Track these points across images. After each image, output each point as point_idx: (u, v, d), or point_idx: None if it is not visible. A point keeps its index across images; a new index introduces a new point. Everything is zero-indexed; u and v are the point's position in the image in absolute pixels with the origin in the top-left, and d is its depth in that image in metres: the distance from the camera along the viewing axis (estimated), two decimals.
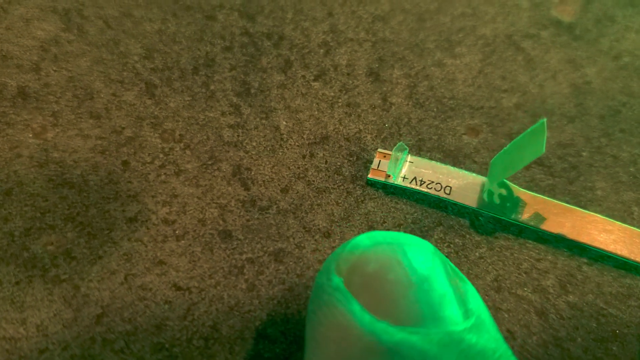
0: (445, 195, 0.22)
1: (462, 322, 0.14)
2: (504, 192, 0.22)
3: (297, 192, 0.23)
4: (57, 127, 0.23)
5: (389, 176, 0.23)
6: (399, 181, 0.23)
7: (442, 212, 0.23)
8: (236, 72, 0.25)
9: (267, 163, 0.24)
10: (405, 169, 0.23)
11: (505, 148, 0.20)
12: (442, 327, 0.14)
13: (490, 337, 0.15)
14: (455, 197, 0.22)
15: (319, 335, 0.15)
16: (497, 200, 0.22)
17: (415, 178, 0.23)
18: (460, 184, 0.23)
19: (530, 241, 0.22)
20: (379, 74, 0.26)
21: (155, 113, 0.24)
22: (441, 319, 0.14)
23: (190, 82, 0.25)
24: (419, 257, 0.15)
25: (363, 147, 0.24)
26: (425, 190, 0.23)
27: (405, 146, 0.23)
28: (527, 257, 0.22)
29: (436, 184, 0.23)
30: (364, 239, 0.15)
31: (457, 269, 0.16)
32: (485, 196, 0.22)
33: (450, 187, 0.23)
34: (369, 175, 0.23)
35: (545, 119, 0.17)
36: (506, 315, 0.21)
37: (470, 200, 0.22)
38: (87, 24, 0.26)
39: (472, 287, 0.16)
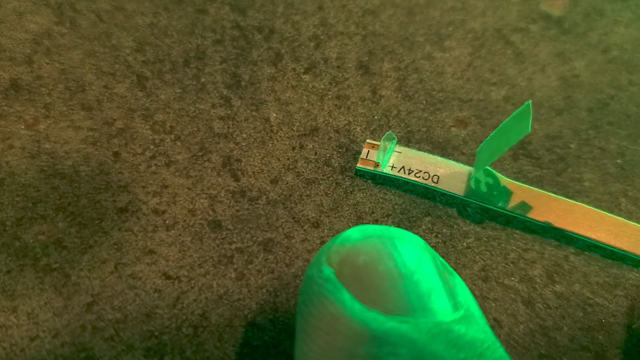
0: (433, 184, 0.23)
1: (451, 314, 0.14)
2: (490, 181, 0.22)
3: (287, 183, 0.23)
4: (49, 118, 0.24)
5: (378, 165, 0.23)
6: (387, 170, 0.23)
7: (430, 203, 0.23)
8: (227, 64, 0.26)
9: (257, 154, 0.24)
10: (393, 158, 0.23)
11: (491, 134, 0.20)
12: (432, 318, 0.14)
13: (479, 328, 0.15)
14: (443, 186, 0.23)
15: (309, 325, 0.15)
16: (484, 189, 0.22)
17: (403, 167, 0.23)
18: (448, 172, 0.23)
19: (517, 231, 0.23)
20: (369, 67, 0.26)
21: (147, 105, 0.24)
22: (430, 310, 0.14)
23: (181, 74, 0.25)
24: (409, 250, 0.15)
25: (352, 139, 0.24)
26: (413, 179, 0.23)
27: (394, 135, 0.23)
28: (514, 247, 0.22)
29: (424, 172, 0.23)
30: (355, 232, 0.15)
31: (446, 263, 0.16)
32: (472, 184, 0.22)
33: (438, 176, 0.23)
34: (358, 165, 0.23)
35: (530, 101, 0.18)
36: (493, 305, 0.21)
37: (457, 189, 0.23)
38: (79, 17, 0.26)
39: (461, 280, 0.16)
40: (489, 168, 0.22)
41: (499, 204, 0.22)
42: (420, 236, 0.22)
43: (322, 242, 0.22)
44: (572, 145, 0.25)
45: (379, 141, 0.24)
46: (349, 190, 0.23)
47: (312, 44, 0.27)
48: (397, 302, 0.14)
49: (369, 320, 0.14)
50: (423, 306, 0.14)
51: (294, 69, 0.26)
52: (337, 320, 0.14)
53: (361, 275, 0.14)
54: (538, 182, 0.24)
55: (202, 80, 0.25)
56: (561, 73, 0.27)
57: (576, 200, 0.23)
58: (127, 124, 0.24)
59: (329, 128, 0.25)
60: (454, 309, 0.14)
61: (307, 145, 0.24)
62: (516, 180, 0.23)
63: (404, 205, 0.23)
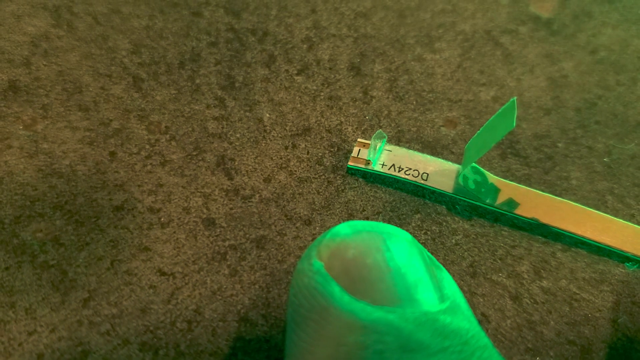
0: (422, 182, 0.23)
1: (438, 305, 0.15)
2: (478, 178, 0.23)
3: (280, 181, 0.24)
4: (47, 119, 0.24)
5: (369, 162, 0.23)
6: (377, 168, 0.23)
7: (420, 200, 0.24)
8: (221, 66, 0.26)
9: (251, 154, 0.24)
10: (383, 156, 0.24)
11: (478, 132, 0.21)
12: (418, 308, 0.14)
13: (464, 318, 0.15)
14: (432, 183, 0.23)
15: (300, 316, 0.15)
16: (472, 186, 0.23)
17: (393, 165, 0.23)
18: (437, 170, 0.23)
19: (505, 228, 0.23)
20: (360, 68, 0.27)
21: (142, 106, 0.25)
22: (417, 301, 0.14)
23: (177, 76, 0.26)
24: (397, 245, 0.15)
25: (344, 139, 0.25)
26: (403, 176, 0.23)
27: (384, 134, 0.23)
28: (502, 244, 0.23)
29: (414, 170, 0.23)
30: (345, 228, 0.16)
31: (433, 258, 0.17)
32: (460, 181, 0.23)
33: (427, 174, 0.23)
34: (349, 163, 0.24)
35: (515, 98, 0.18)
36: (481, 300, 0.22)
37: (446, 186, 0.23)
38: (76, 20, 0.27)
39: (448, 274, 0.16)
40: (477, 166, 0.23)
41: (487, 201, 0.23)
42: (410, 233, 0.22)
43: (314, 239, 0.22)
44: (559, 144, 0.25)
45: (370, 140, 0.24)
46: (340, 189, 0.24)
47: (305, 46, 0.27)
48: (385, 294, 0.14)
49: (357, 311, 0.14)
50: (410, 297, 0.14)
51: (287, 71, 0.26)
52: (327, 310, 0.14)
53: (350, 268, 0.15)
54: (526, 181, 0.24)
55: (197, 81, 0.26)
56: (550, 74, 0.27)
57: (563, 198, 0.23)
58: (123, 124, 0.24)
59: (321, 128, 0.25)
60: (440, 301, 0.15)
61: (300, 144, 0.25)
62: (504, 179, 0.23)
63: (394, 203, 0.23)
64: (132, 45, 0.26)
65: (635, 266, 0.22)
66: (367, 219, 0.23)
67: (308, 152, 0.24)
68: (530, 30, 0.28)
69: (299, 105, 0.25)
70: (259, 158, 0.24)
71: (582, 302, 0.22)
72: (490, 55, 0.27)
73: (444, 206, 0.23)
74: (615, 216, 0.23)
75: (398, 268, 0.15)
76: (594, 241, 0.22)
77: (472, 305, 0.22)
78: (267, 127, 0.25)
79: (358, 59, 0.27)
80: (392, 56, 0.27)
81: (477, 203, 0.23)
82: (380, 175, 0.24)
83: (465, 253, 0.23)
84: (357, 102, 0.26)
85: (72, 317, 0.20)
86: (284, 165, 0.24)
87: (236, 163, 0.24)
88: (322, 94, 0.26)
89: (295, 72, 0.26)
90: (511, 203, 0.23)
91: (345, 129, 0.25)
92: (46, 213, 0.22)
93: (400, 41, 0.28)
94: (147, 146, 0.24)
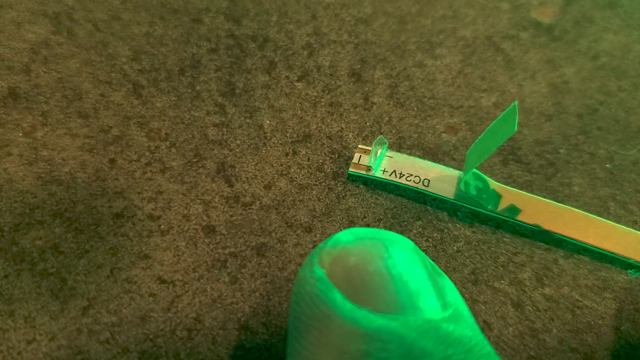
0: (423, 188, 0.23)
1: (440, 312, 0.15)
2: (480, 184, 0.23)
3: (280, 188, 0.24)
4: (47, 126, 0.24)
5: (370, 168, 0.23)
6: (378, 174, 0.23)
7: (421, 207, 0.23)
8: (221, 73, 0.26)
9: (251, 161, 0.24)
10: (384, 162, 0.24)
11: (479, 137, 0.21)
12: (421, 316, 0.14)
13: (467, 325, 0.15)
14: (434, 190, 0.23)
15: (302, 323, 0.15)
16: (473, 192, 0.23)
17: (394, 171, 0.23)
18: (438, 176, 0.23)
19: (507, 235, 0.23)
20: (361, 74, 0.27)
21: (142, 113, 0.25)
22: (419, 308, 0.14)
23: (177, 82, 0.26)
24: (399, 252, 0.15)
25: (345, 145, 0.25)
26: (404, 182, 0.23)
27: (385, 139, 0.23)
28: (504, 251, 0.23)
29: (415, 176, 0.23)
30: (346, 234, 0.16)
31: (435, 265, 0.17)
32: (462, 186, 0.23)
33: (429, 180, 0.23)
34: (350, 169, 0.24)
35: (516, 102, 0.18)
36: (483, 307, 0.22)
37: (448, 192, 0.23)
38: (76, 27, 0.27)
39: (450, 282, 0.16)
40: (478, 172, 0.23)
41: (489, 207, 0.23)
42: (412, 240, 0.22)
43: (315, 247, 0.22)
44: (561, 151, 0.25)
45: (371, 146, 0.24)
46: (341, 195, 0.24)
47: (306, 52, 0.27)
48: (387, 301, 0.14)
49: (359, 318, 0.14)
50: (412, 305, 0.14)
51: (287, 77, 0.26)
52: (329, 318, 0.14)
53: (352, 275, 0.15)
54: (528, 187, 0.24)
55: (197, 88, 0.26)
56: (551, 79, 0.27)
57: (565, 205, 0.23)
58: (123, 131, 0.24)
59: (322, 134, 0.25)
60: (442, 308, 0.15)
61: (300, 151, 0.24)
62: (506, 185, 0.23)
63: (396, 209, 0.23)
64: (132, 52, 0.26)
65: (638, 273, 0.22)
66: (368, 225, 0.23)
67: (309, 159, 0.24)
68: (531, 36, 0.28)
69: (299, 112, 0.25)
70: (259, 165, 0.24)
71: (584, 310, 0.22)
72: (492, 61, 0.27)
73: (445, 213, 0.23)
74: (618, 222, 0.23)
75: (400, 275, 0.15)
76: (596, 248, 0.22)
77: (474, 313, 0.21)
78: (268, 134, 0.25)
79: (359, 65, 0.27)
80: (392, 62, 0.27)
81: (479, 209, 0.23)
82: (381, 181, 0.24)
83: (467, 260, 0.22)
84: (357, 109, 0.26)
85: (72, 326, 0.20)
86: (284, 172, 0.24)
87: (236, 170, 0.24)
88: (322, 100, 0.26)
89: (296, 78, 0.26)
90: (513, 209, 0.23)
91: (346, 135, 0.25)
92: (45, 221, 0.22)
93: (401, 47, 0.28)
94: (147, 153, 0.24)
